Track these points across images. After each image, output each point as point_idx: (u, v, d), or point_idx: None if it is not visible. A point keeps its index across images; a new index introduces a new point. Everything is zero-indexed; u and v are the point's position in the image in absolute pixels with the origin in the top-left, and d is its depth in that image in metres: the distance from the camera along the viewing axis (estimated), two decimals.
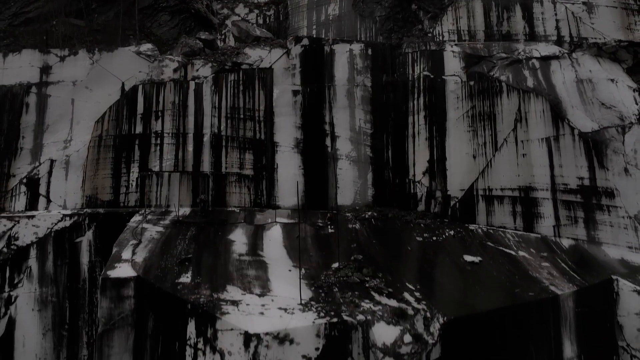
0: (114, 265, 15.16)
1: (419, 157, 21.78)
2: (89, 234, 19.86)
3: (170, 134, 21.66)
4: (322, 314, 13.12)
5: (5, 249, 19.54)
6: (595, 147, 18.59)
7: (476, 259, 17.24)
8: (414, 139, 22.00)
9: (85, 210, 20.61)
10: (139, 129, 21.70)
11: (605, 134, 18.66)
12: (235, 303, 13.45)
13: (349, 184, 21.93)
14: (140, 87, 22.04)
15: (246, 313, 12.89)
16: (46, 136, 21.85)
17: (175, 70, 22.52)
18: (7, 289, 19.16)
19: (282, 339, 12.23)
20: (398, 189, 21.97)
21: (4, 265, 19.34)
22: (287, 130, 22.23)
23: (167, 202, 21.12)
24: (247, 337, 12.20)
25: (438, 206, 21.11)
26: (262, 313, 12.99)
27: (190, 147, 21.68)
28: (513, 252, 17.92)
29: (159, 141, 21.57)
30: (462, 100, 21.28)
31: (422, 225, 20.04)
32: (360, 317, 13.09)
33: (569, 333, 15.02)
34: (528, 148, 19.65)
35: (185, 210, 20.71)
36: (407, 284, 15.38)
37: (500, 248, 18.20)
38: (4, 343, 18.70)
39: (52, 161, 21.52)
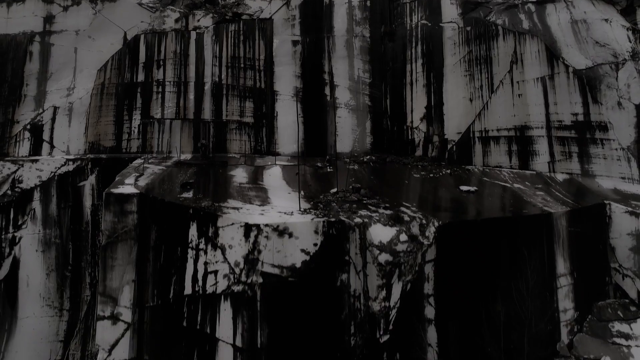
0: (117, 186, 15.45)
1: (417, 104, 22.10)
2: (92, 179, 20.14)
3: (171, 83, 21.96)
4: (320, 216, 13.43)
5: (9, 192, 19.81)
6: (589, 83, 18.90)
7: (472, 189, 17.55)
8: (412, 86, 22.33)
9: (88, 155, 20.90)
10: (141, 77, 22.00)
11: (599, 71, 18.98)
12: (236, 209, 13.77)
13: (348, 131, 22.23)
14: (142, 37, 22.36)
15: (247, 213, 13.20)
16: (49, 84, 22.15)
17: (176, 21, 22.87)
18: (11, 230, 19.41)
19: (282, 231, 12.52)
20: (396, 136, 22.30)
21: (8, 207, 19.58)
22: (286, 79, 22.53)
23: (169, 148, 21.42)
24: (248, 228, 12.50)
25: (435, 150, 21.43)
26: (262, 214, 13.31)
27: (191, 95, 21.99)
28: (508, 185, 18.22)
29: (160, 89, 21.87)
30: (459, 46, 21.60)
31: (419, 166, 20.36)
32: (358, 219, 13.40)
33: (562, 250, 15.30)
34: (523, 88, 19.96)
35: (187, 156, 21.02)
36: (404, 203, 15.68)
37: (496, 182, 18.52)
38: (9, 282, 18.95)
39: (55, 108, 21.80)
